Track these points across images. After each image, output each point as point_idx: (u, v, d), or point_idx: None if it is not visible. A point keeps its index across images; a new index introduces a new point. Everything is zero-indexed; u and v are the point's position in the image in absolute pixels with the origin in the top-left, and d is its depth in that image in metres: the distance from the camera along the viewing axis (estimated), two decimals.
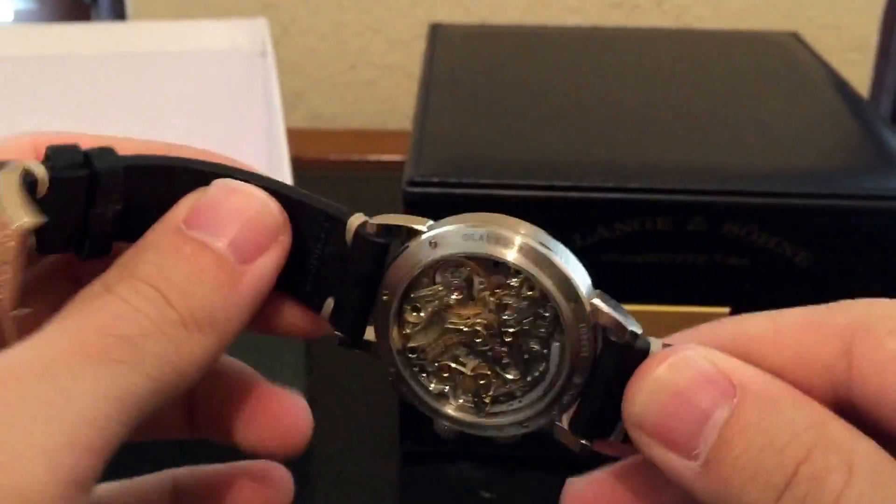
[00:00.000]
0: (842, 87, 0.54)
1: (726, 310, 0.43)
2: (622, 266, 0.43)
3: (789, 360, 0.19)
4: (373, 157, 0.74)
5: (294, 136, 0.55)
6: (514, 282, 0.21)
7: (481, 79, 0.55)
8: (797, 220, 0.42)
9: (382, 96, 0.81)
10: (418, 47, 0.71)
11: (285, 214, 0.22)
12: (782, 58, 0.59)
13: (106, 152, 0.21)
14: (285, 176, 0.51)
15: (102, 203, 0.21)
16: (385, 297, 0.22)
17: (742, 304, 0.43)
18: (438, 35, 0.60)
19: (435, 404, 0.22)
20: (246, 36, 0.66)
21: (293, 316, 0.23)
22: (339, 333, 0.22)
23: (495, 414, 0.22)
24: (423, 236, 0.21)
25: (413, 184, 0.42)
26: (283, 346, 0.49)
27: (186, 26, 0.67)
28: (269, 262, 0.21)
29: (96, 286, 0.20)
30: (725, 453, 0.18)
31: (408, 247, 0.21)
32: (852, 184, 0.43)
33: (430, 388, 0.22)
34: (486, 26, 0.69)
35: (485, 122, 0.49)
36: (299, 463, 0.49)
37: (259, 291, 0.21)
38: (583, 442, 0.21)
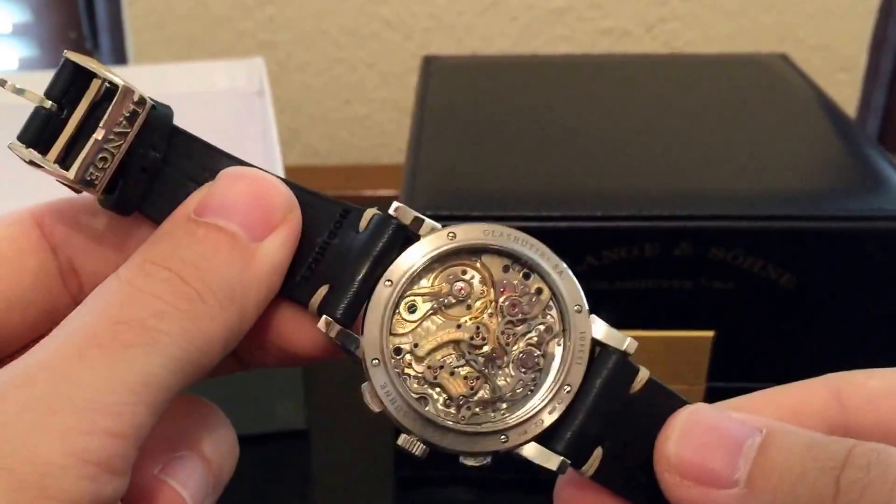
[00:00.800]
0: (829, 108, 0.54)
1: (710, 333, 0.44)
2: (610, 293, 0.43)
3: (787, 413, 0.20)
4: (368, 193, 0.75)
5: (291, 173, 0.56)
6: (522, 286, 0.21)
7: (473, 109, 0.55)
8: (782, 242, 0.42)
9: (376, 131, 0.83)
10: (411, 80, 0.72)
11: (293, 195, 0.22)
12: (771, 80, 0.59)
13: (160, 106, 0.21)
14: None
15: (146, 143, 0.21)
16: (387, 285, 0.21)
17: (727, 327, 0.44)
18: (431, 67, 0.61)
19: (415, 406, 0.21)
20: (243, 75, 0.68)
21: (290, 327, 0.22)
22: (326, 319, 0.21)
23: (477, 423, 0.21)
24: (444, 229, 0.21)
25: None
26: (281, 377, 0.49)
27: (185, 69, 0.68)
28: (281, 239, 0.21)
29: (108, 279, 0.20)
30: (767, 465, 0.18)
31: (426, 237, 0.21)
32: (838, 205, 0.43)
33: (412, 390, 0.21)
34: (478, 57, 0.70)
35: (476, 153, 0.49)
36: (298, 487, 0.49)
37: (274, 267, 0.21)
38: (562, 458, 0.21)
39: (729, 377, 0.45)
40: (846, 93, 0.79)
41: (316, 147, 0.83)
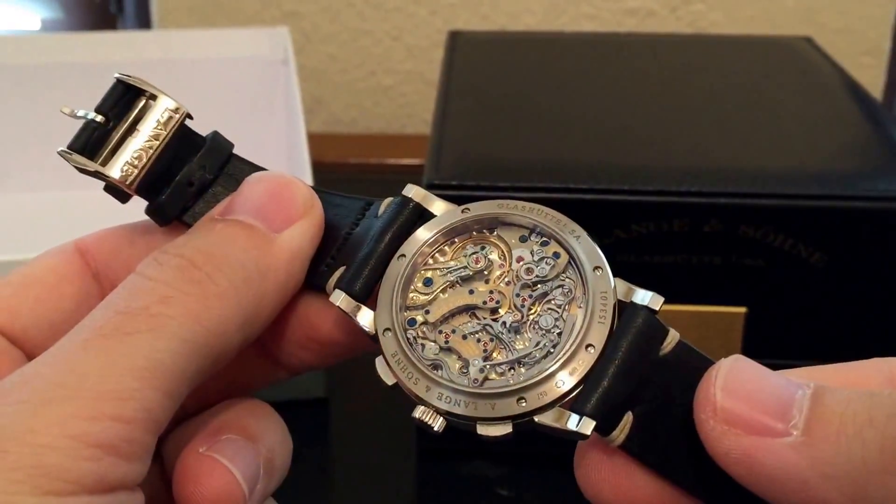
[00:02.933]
0: (855, 89, 0.53)
1: (742, 309, 0.43)
2: (638, 266, 0.42)
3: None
4: (391, 161, 0.74)
5: (314, 140, 0.55)
6: (539, 252, 0.21)
7: (499, 84, 0.54)
8: (812, 221, 0.41)
9: (401, 101, 0.81)
10: (436, 54, 0.71)
11: (313, 192, 0.22)
12: (796, 62, 0.58)
13: (222, 138, 0.23)
14: (306, 178, 0.50)
15: (199, 164, 0.23)
16: (400, 259, 0.21)
17: (758, 304, 0.43)
18: (457, 42, 0.60)
19: (426, 371, 0.20)
20: (268, 44, 0.67)
21: (317, 316, 0.22)
22: (340, 294, 0.21)
23: (491, 386, 0.20)
24: (458, 206, 0.21)
25: (432, 186, 0.42)
26: None
27: (210, 35, 0.67)
28: (301, 229, 0.21)
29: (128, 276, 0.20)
30: (826, 412, 0.17)
31: (440, 214, 0.21)
32: (867, 185, 0.42)
33: (426, 357, 0.20)
34: (504, 33, 0.69)
35: (502, 126, 0.49)
36: (320, 460, 0.49)
37: (294, 254, 0.21)
38: (587, 419, 0.19)
39: (763, 354, 0.44)
40: (871, 75, 0.78)
41: (340, 116, 0.82)
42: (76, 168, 0.22)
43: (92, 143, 0.22)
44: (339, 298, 0.21)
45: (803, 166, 0.45)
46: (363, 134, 0.81)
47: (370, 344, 0.21)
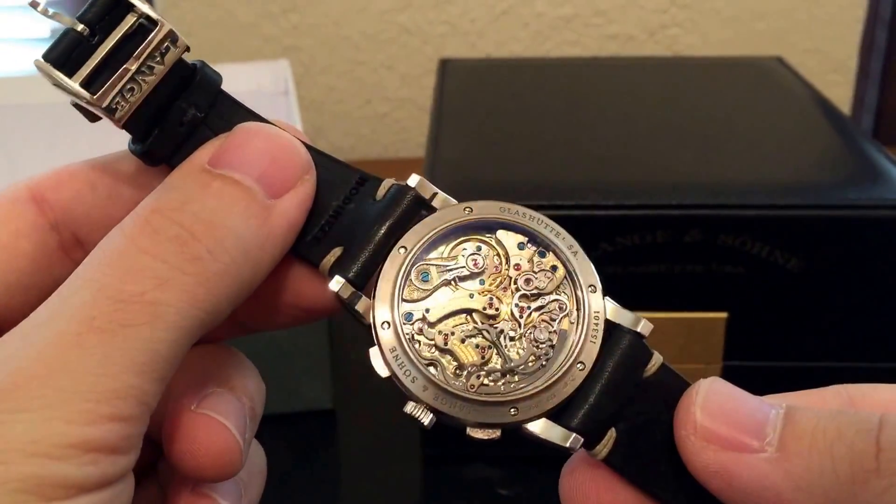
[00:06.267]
0: (825, 106, 0.54)
1: (723, 315, 0.43)
2: (624, 277, 0.43)
3: None
4: None
5: None
6: (537, 262, 0.20)
7: (488, 108, 0.55)
8: (787, 229, 0.42)
9: (396, 127, 0.83)
10: (428, 81, 0.72)
11: (310, 156, 0.20)
12: (768, 80, 0.59)
13: (211, 70, 0.21)
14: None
15: (189, 101, 0.20)
16: (401, 251, 0.20)
17: (738, 309, 0.43)
18: (447, 69, 0.61)
19: (424, 370, 0.19)
20: (270, 77, 0.67)
21: (300, 286, 0.21)
22: (339, 280, 0.20)
23: (486, 393, 0.20)
24: (460, 204, 0.20)
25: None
26: (309, 356, 0.48)
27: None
28: (299, 198, 0.19)
29: (114, 236, 0.18)
30: (798, 429, 0.17)
31: (442, 209, 0.21)
32: (837, 195, 0.43)
33: (422, 355, 0.20)
34: (491, 60, 0.70)
35: (492, 148, 0.49)
36: (327, 472, 0.48)
37: (290, 225, 0.19)
38: (574, 435, 0.19)
39: (744, 356, 0.44)
40: (839, 92, 0.79)
41: (339, 143, 0.83)
42: (52, 83, 0.19)
43: (72, 57, 0.19)
44: (339, 286, 0.20)
45: (778, 178, 0.45)
46: (361, 160, 0.82)
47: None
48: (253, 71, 0.68)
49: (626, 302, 0.43)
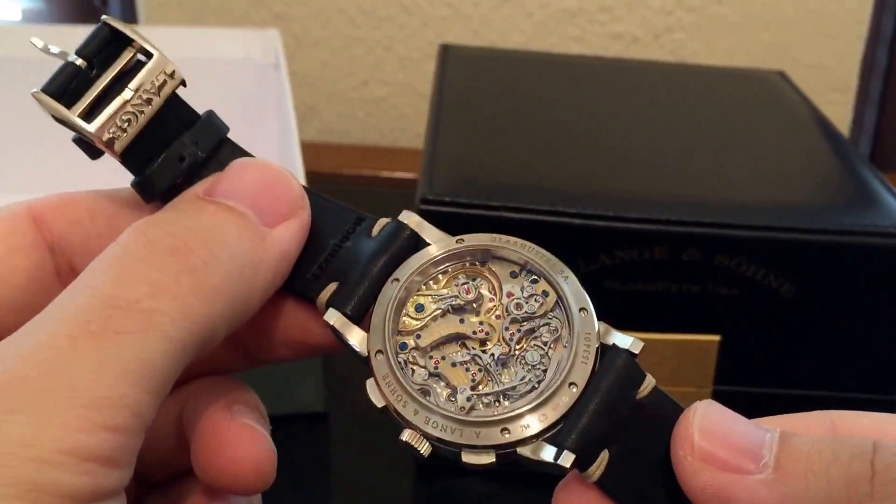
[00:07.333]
0: (825, 126, 0.54)
1: (716, 338, 0.43)
2: (622, 294, 0.43)
3: None
4: (385, 174, 0.73)
5: (308, 148, 0.54)
6: (528, 288, 0.21)
7: (490, 101, 0.54)
8: (782, 252, 0.42)
9: (394, 114, 0.80)
10: (428, 66, 0.71)
11: (303, 190, 0.21)
12: (770, 95, 0.59)
13: (218, 118, 0.21)
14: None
15: (192, 139, 0.20)
16: (393, 282, 0.21)
17: (731, 332, 0.43)
18: (448, 56, 0.60)
19: (416, 395, 0.20)
20: (258, 46, 0.65)
21: (299, 322, 0.21)
22: (335, 313, 0.20)
23: (478, 416, 0.20)
24: (453, 237, 0.21)
25: (426, 201, 0.41)
26: (302, 362, 0.47)
27: (199, 33, 0.65)
28: (292, 229, 0.20)
29: (111, 247, 0.18)
30: (793, 451, 0.18)
31: (434, 243, 0.21)
32: (833, 220, 0.43)
33: (415, 382, 0.20)
34: (494, 50, 0.69)
35: (494, 144, 0.48)
36: (318, 476, 0.47)
37: (284, 254, 0.20)
38: (566, 454, 0.19)
39: (734, 381, 0.44)
40: (839, 112, 0.79)
41: (332, 125, 0.80)
42: (52, 116, 0.19)
43: (71, 90, 0.19)
44: (334, 317, 0.20)
45: (776, 199, 0.45)
46: (357, 145, 0.80)
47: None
48: (240, 38, 0.65)
49: (624, 320, 0.42)
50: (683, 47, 0.78)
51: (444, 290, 0.21)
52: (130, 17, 0.78)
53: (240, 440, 0.20)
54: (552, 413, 0.19)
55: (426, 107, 0.54)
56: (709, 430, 0.18)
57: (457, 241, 0.21)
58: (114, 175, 0.22)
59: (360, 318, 0.20)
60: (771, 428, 0.18)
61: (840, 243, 0.42)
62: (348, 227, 0.21)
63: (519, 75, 0.59)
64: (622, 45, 0.78)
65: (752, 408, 0.48)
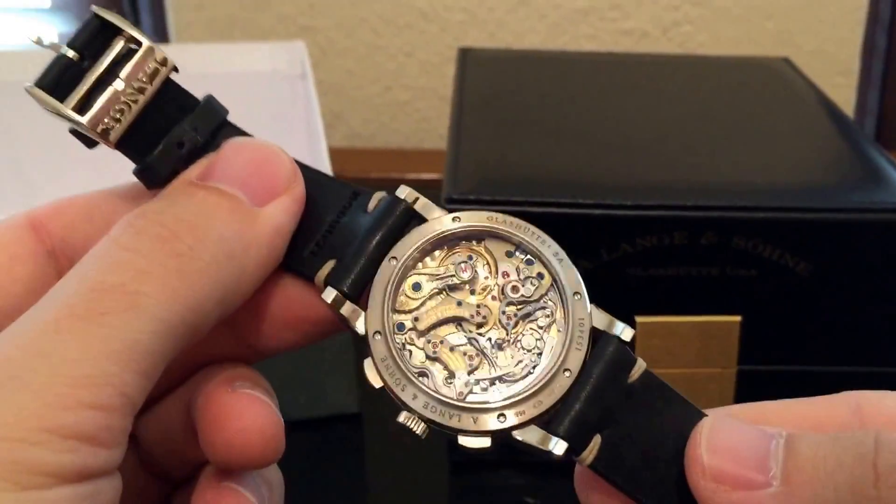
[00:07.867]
0: (831, 108, 0.55)
1: (737, 318, 0.44)
2: (645, 279, 0.43)
3: (812, 425, 0.20)
4: (412, 176, 0.73)
5: (335, 154, 0.55)
6: (524, 270, 0.21)
7: (509, 100, 0.55)
8: (796, 232, 0.43)
9: (417, 117, 0.82)
10: (448, 69, 0.73)
11: (296, 166, 0.20)
12: (776, 82, 0.60)
13: (217, 102, 0.21)
14: None
15: (190, 125, 0.20)
16: (391, 261, 0.20)
17: (752, 312, 0.44)
18: (467, 59, 0.61)
19: (413, 379, 0.19)
20: (285, 58, 0.66)
21: (297, 301, 0.21)
22: (332, 291, 0.20)
23: (475, 401, 0.20)
24: (449, 214, 0.21)
25: (451, 200, 0.43)
26: (333, 360, 0.47)
27: (227, 49, 0.66)
28: (284, 205, 0.20)
29: (102, 240, 0.18)
30: (799, 460, 0.18)
31: (431, 219, 0.21)
32: (843, 198, 0.44)
33: (413, 365, 0.20)
34: (511, 51, 0.70)
35: (514, 141, 0.49)
36: (352, 471, 0.47)
37: (276, 229, 0.19)
38: (560, 440, 0.19)
39: (758, 360, 0.45)
40: (844, 95, 0.80)
41: (360, 130, 0.82)
42: (45, 109, 0.19)
43: (63, 83, 0.19)
44: (332, 296, 0.20)
45: (787, 180, 0.46)
46: (383, 148, 0.82)
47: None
48: (268, 51, 0.66)
49: (648, 305, 0.43)
50: (691, 40, 0.79)
51: (441, 269, 0.21)
52: (161, 34, 0.80)
53: (243, 410, 0.19)
54: (547, 399, 0.19)
55: (448, 109, 0.55)
56: (716, 445, 0.19)
57: (453, 220, 0.21)
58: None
59: (358, 295, 0.20)
60: (777, 432, 0.19)
61: (851, 221, 0.43)
62: (345, 203, 0.21)
63: (535, 74, 0.60)
64: (632, 40, 0.80)
65: (777, 385, 0.49)
